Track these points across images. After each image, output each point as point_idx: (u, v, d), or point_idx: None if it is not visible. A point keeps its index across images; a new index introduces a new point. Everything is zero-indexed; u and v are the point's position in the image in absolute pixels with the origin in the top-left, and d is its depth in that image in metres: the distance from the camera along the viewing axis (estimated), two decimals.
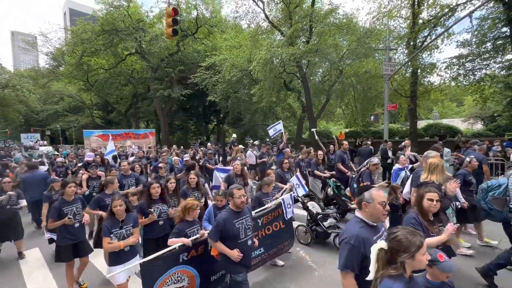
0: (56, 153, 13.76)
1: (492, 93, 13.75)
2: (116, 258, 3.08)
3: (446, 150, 7.82)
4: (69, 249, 3.68)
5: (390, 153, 9.33)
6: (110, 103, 33.01)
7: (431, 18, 14.15)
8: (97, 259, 4.40)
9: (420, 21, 14.38)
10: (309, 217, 5.12)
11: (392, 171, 5.75)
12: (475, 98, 14.92)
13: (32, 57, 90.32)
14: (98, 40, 21.52)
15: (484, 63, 13.26)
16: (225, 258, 2.80)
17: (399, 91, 16.96)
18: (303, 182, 5.50)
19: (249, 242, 2.91)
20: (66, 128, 38.36)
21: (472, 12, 8.21)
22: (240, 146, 11.11)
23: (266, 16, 16.09)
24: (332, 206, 5.65)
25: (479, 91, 14.06)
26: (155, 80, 23.58)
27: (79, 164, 9.01)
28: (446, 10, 13.41)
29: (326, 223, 4.83)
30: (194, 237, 3.08)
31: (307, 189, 5.57)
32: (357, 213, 2.03)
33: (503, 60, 12.62)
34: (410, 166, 5.46)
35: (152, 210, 3.68)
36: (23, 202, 5.33)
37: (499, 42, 12.16)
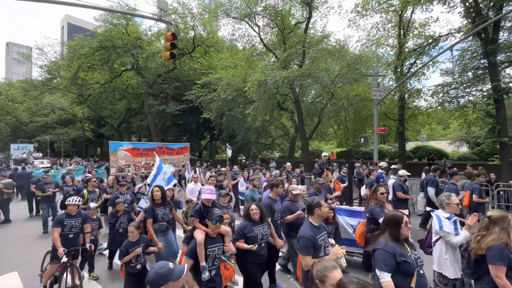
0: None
1: (475, 118, 14.41)
2: None
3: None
4: None
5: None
6: (103, 117, 32.82)
7: (416, 47, 15.05)
8: None
9: (406, 49, 15.26)
10: None
11: None
12: (460, 123, 15.55)
13: (26, 68, 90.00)
14: (95, 55, 21.77)
15: (467, 90, 14.00)
16: None
17: (388, 114, 17.56)
18: None
19: None
20: (55, 140, 37.61)
21: (453, 46, 8.81)
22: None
23: (261, 40, 16.77)
24: None
25: (463, 116, 14.71)
26: (150, 96, 23.75)
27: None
28: (430, 40, 14.35)
29: None
30: None
31: None
32: None
33: (484, 90, 13.36)
34: None
35: None
36: None
37: (479, 72, 12.94)
